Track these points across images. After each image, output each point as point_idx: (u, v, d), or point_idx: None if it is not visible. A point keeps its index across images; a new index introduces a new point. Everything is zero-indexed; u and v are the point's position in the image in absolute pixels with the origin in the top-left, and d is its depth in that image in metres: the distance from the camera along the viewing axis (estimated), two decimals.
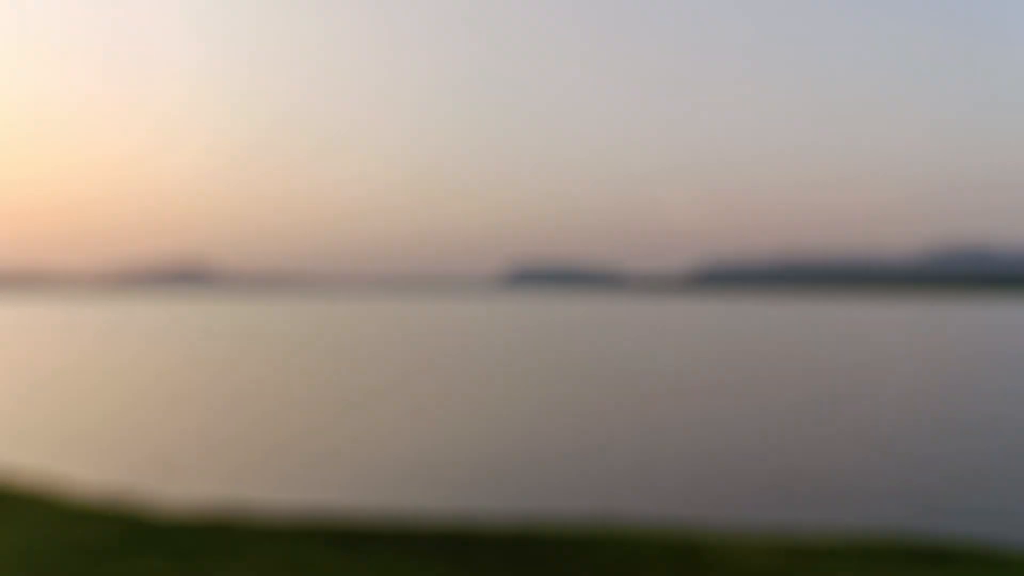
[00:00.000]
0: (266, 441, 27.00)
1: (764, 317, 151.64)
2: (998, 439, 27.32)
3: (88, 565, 12.06)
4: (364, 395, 40.49)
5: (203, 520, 16.02)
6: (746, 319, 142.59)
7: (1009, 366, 55.31)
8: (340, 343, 79.64)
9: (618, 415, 32.90)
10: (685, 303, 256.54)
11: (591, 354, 66.12)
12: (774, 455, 24.51)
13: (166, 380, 47.10)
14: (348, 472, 22.42)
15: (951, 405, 35.82)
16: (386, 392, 41.61)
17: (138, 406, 36.34)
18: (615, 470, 22.25)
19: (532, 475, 21.65)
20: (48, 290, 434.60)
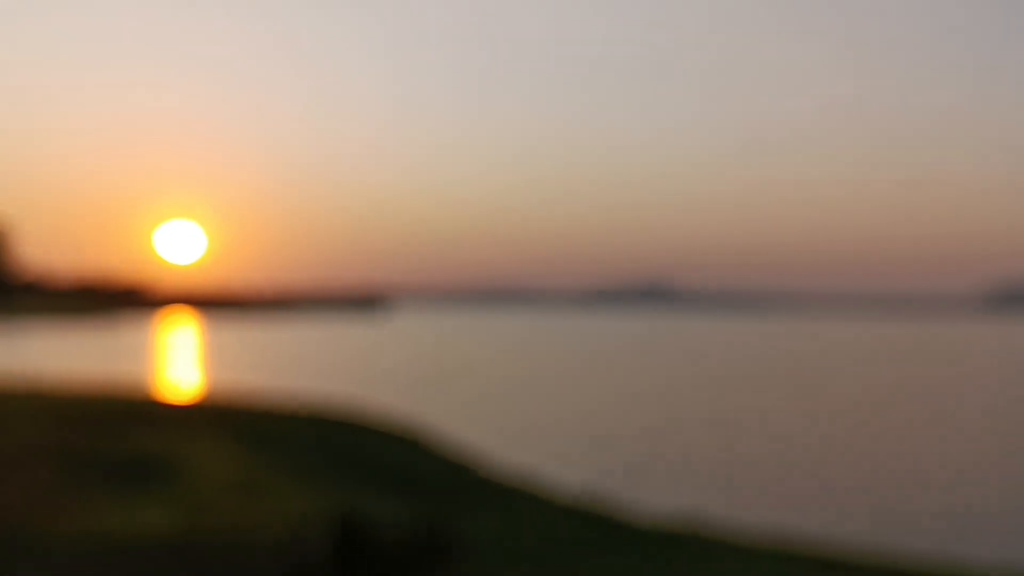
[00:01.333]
0: (736, 458, 27.23)
1: None
2: None
3: (570, 559, 13.23)
4: (840, 415, 38.95)
5: (675, 528, 16.66)
6: None
7: None
8: (814, 364, 77.22)
9: None
10: None
11: None
12: None
13: (645, 391, 49.62)
14: (828, 498, 21.85)
15: None
16: (866, 414, 39.57)
17: (616, 413, 38.83)
18: None
19: None
20: (539, 306, 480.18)
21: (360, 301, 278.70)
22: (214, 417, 26.08)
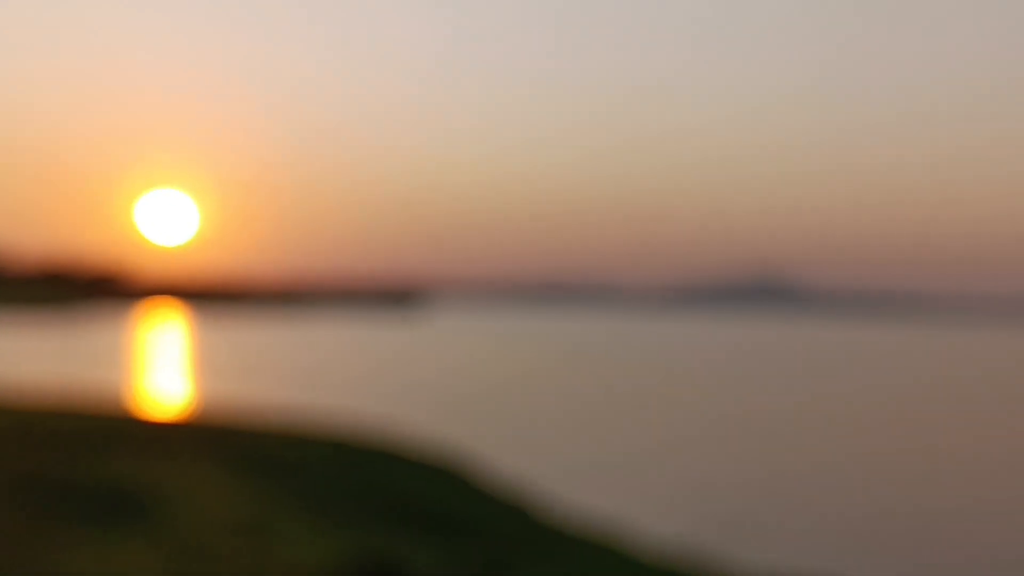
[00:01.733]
0: (872, 512, 27.02)
1: None
2: None
3: None
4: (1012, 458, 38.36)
5: None
6: None
7: None
8: (976, 387, 75.87)
9: None
10: None
11: None
12: None
13: (751, 418, 49.30)
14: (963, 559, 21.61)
15: None
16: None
17: (712, 445, 38.68)
18: None
19: None
20: (618, 304, 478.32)
21: (391, 296, 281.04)
22: (209, 440, 26.61)
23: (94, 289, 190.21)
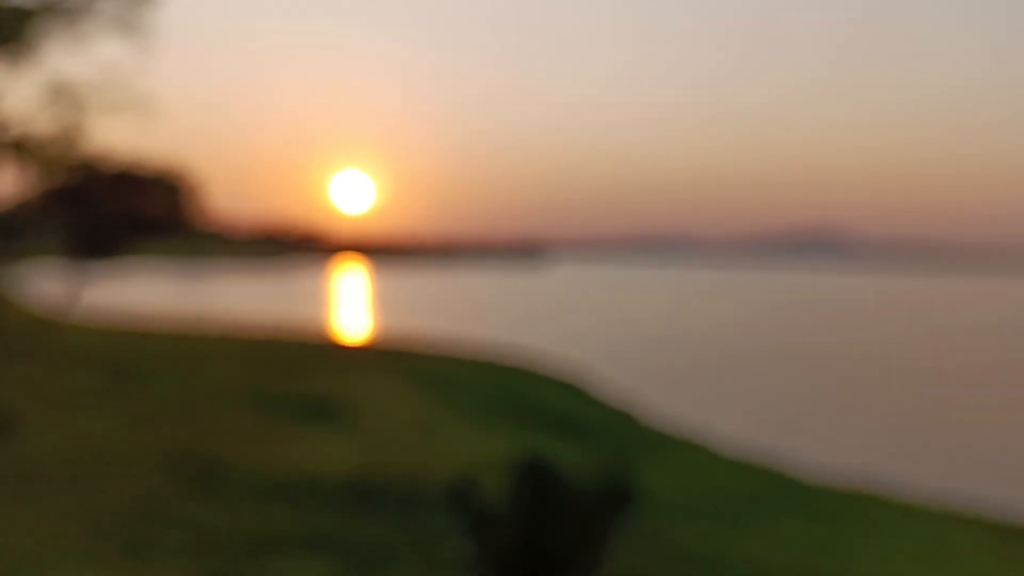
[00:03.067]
0: (918, 422, 25.86)
1: None
2: None
3: (742, 514, 12.86)
4: None
5: (845, 488, 15.96)
6: None
7: None
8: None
9: None
10: None
11: None
12: None
13: (814, 349, 47.87)
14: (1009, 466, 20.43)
15: None
16: None
17: (784, 370, 37.64)
18: None
19: None
20: (694, 256, 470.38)
21: (521, 252, 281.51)
22: (388, 360, 27.02)
23: (298, 247, 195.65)
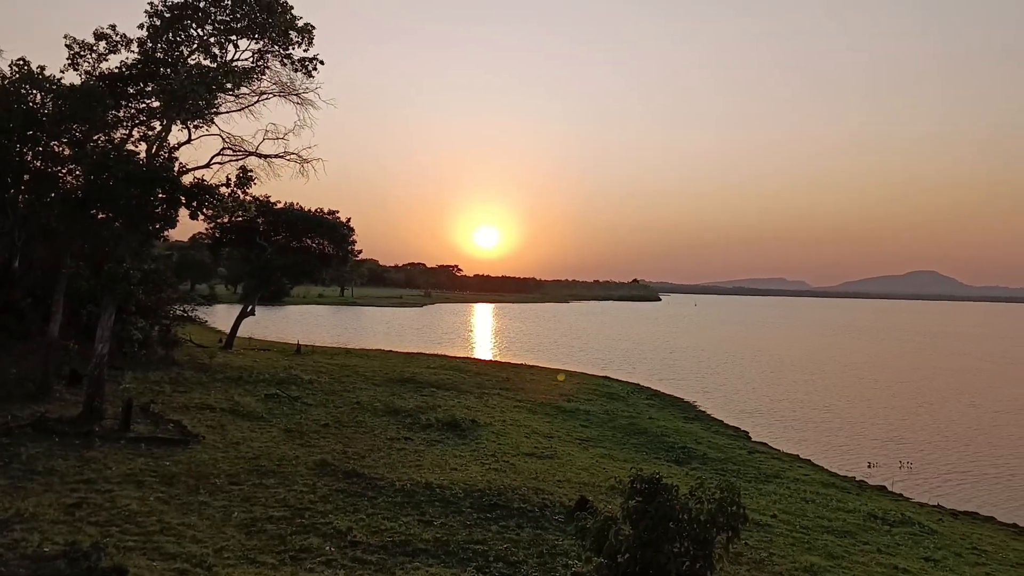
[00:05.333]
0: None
1: None
2: None
3: (843, 538, 12.04)
4: None
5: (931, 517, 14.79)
6: None
7: None
8: None
9: None
10: None
11: None
12: None
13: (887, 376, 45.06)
14: None
15: None
16: None
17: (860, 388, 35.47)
18: None
19: None
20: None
21: (633, 289, 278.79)
22: (506, 384, 27.02)
23: (440, 281, 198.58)
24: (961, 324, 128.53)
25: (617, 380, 32.30)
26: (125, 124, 17.33)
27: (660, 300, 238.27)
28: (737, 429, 23.05)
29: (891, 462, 20.20)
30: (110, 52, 17.75)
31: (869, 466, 19.50)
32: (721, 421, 24.35)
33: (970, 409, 31.10)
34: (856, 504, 14.56)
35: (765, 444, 21.21)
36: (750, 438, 21.81)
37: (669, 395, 29.36)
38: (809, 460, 19.53)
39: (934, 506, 15.99)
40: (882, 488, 17.10)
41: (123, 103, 17.19)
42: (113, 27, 17.96)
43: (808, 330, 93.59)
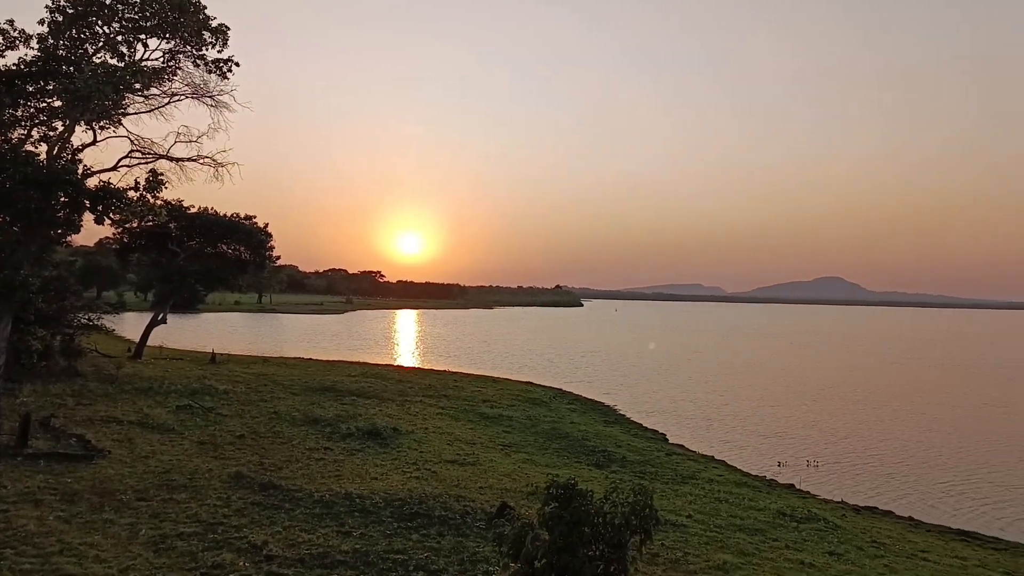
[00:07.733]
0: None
1: None
2: None
3: (756, 534, 12.37)
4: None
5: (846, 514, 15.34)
6: None
7: None
8: None
9: None
10: None
11: None
12: None
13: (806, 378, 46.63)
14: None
15: None
16: None
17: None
18: None
19: None
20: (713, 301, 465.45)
21: (554, 294, 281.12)
22: (434, 389, 26.87)
23: (362, 287, 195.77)
24: (856, 326, 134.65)
25: (540, 385, 32.47)
26: (23, 124, 16.55)
27: (582, 305, 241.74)
28: (656, 432, 23.44)
29: (799, 460, 20.88)
30: (7, 48, 16.91)
31: (779, 465, 20.13)
32: (640, 424, 24.73)
33: (856, 405, 32.46)
34: (767, 502, 14.96)
35: (682, 446, 21.63)
36: (667, 440, 22.22)
37: (590, 399, 29.66)
38: (723, 461, 20.01)
39: (838, 502, 16.58)
40: (791, 486, 17.64)
41: (21, 102, 16.40)
42: (11, 22, 17.14)
43: (715, 334, 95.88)
